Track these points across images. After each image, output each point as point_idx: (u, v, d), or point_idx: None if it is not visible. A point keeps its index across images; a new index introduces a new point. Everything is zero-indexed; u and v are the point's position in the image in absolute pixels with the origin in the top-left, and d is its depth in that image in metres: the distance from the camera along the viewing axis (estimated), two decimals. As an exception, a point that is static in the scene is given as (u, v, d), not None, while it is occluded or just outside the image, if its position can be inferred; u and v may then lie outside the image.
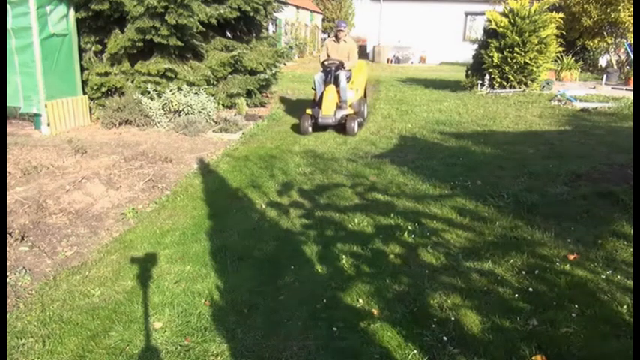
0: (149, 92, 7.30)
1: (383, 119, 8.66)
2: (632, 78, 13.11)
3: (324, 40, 39.59)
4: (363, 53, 28.95)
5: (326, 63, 7.54)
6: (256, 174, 5.36)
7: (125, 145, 6.37)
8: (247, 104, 8.93)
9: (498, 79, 11.50)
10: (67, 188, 4.60)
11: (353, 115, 7.35)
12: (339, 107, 7.30)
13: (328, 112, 7.21)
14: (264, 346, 2.48)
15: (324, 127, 7.34)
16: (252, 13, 8.63)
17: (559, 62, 14.46)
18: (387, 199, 4.53)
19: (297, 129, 7.41)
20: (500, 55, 11.23)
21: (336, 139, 7.03)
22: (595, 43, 15.92)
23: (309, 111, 7.40)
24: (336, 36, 7.85)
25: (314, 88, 7.79)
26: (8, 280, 3.07)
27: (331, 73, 7.43)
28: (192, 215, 4.22)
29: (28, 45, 6.47)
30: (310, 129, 7.21)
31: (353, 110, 7.53)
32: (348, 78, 7.68)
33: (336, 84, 7.42)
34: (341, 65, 7.48)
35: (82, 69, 7.46)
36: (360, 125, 7.60)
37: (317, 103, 7.51)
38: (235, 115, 8.13)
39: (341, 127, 7.26)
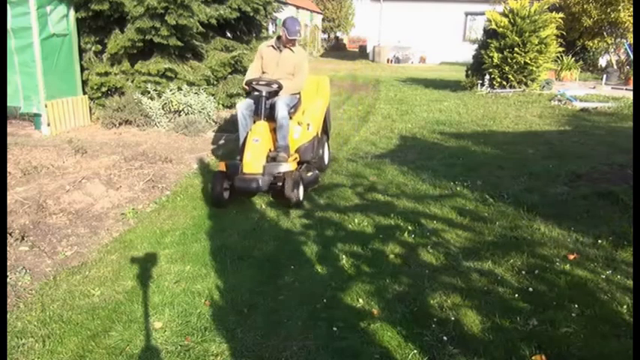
0: (149, 92, 7.30)
1: (383, 119, 8.66)
2: (632, 78, 13.12)
3: (325, 39, 39.78)
4: (363, 53, 29.02)
5: (253, 84, 4.59)
6: (256, 174, 5.36)
7: (125, 145, 6.37)
8: (247, 104, 8.91)
9: (498, 79, 11.50)
10: (67, 188, 4.60)
11: (294, 171, 4.35)
12: (272, 159, 4.45)
13: (252, 168, 4.26)
14: (264, 346, 2.48)
15: (250, 192, 4.41)
16: (252, 13, 8.62)
17: (559, 62, 14.46)
18: (387, 199, 4.53)
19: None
20: (500, 55, 11.24)
21: (337, 139, 7.03)
22: (595, 43, 15.92)
23: (222, 166, 4.42)
24: (279, 38, 4.87)
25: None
26: (8, 280, 3.07)
27: (261, 101, 4.54)
28: (192, 215, 4.22)
29: (28, 45, 6.47)
30: (226, 195, 4.34)
31: (297, 160, 4.74)
32: (294, 107, 4.83)
33: (272, 118, 4.60)
34: (278, 89, 4.60)
35: (82, 69, 7.46)
36: (313, 183, 4.75)
37: (240, 150, 4.62)
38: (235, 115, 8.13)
39: (278, 191, 4.33)
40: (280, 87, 4.62)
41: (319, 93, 5.50)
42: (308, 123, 4.92)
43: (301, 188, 4.33)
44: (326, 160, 5.51)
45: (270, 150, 4.56)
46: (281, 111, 4.52)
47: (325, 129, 5.62)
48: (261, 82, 4.60)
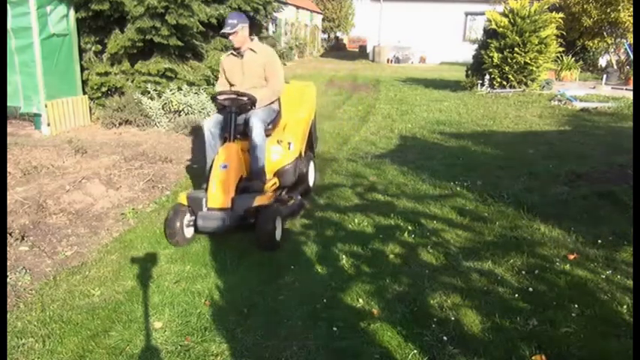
0: (149, 92, 7.30)
1: (383, 119, 8.66)
2: (632, 78, 13.12)
3: (325, 39, 39.74)
4: (363, 53, 29.01)
5: (220, 99, 3.90)
6: (256, 174, 5.35)
7: (125, 145, 6.37)
8: (247, 104, 8.91)
9: (498, 79, 11.51)
10: (67, 188, 4.60)
11: (270, 204, 3.67)
12: (244, 190, 3.71)
13: (218, 201, 3.54)
14: (264, 346, 2.48)
15: (216, 232, 3.57)
16: (252, 13, 8.63)
17: (559, 62, 14.47)
18: (387, 199, 4.53)
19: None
20: (501, 55, 11.24)
21: (337, 139, 7.03)
22: (595, 43, 15.93)
23: (183, 197, 3.64)
24: (234, 46, 4.10)
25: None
26: (8, 280, 3.07)
27: (231, 118, 3.81)
28: (192, 215, 4.21)
29: (28, 45, 6.47)
30: (188, 232, 3.58)
31: (277, 186, 4.12)
32: (272, 122, 4.13)
33: (245, 136, 3.93)
34: (251, 103, 3.89)
35: (82, 69, 7.46)
36: (296, 212, 4.09)
37: (206, 177, 3.82)
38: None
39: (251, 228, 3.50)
40: (253, 100, 3.87)
41: (303, 103, 4.68)
42: (289, 141, 4.20)
43: (279, 226, 3.55)
44: (311, 182, 4.70)
45: (242, 177, 3.76)
46: (256, 129, 3.83)
47: (310, 145, 4.91)
48: (230, 96, 3.86)
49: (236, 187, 3.65)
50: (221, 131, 3.98)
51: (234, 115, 3.82)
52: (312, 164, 4.77)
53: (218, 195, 3.56)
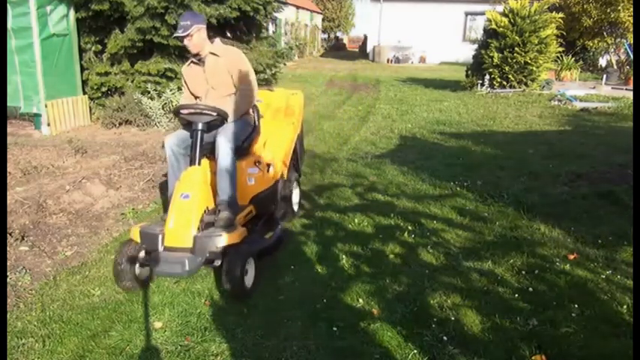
0: (149, 92, 7.30)
1: (383, 119, 8.66)
2: (632, 78, 13.13)
3: (325, 39, 39.73)
4: (363, 53, 29.00)
5: (184, 113, 3.23)
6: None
7: (125, 145, 6.37)
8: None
9: (498, 79, 11.52)
10: (67, 188, 4.59)
11: (240, 244, 2.96)
12: (210, 224, 3.03)
13: (178, 240, 2.89)
14: (264, 346, 2.48)
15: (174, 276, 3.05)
16: (252, 13, 8.62)
17: (559, 62, 14.48)
18: (387, 199, 4.53)
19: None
20: (501, 55, 11.25)
21: (337, 139, 7.03)
22: (595, 43, 15.95)
23: (135, 232, 2.97)
24: (192, 53, 3.45)
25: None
26: (8, 280, 3.07)
27: (196, 137, 3.15)
28: (192, 215, 4.21)
29: (28, 45, 6.48)
30: (142, 273, 2.98)
31: (252, 214, 3.50)
32: (248, 139, 3.52)
33: (213, 158, 3.30)
34: (221, 119, 3.25)
35: (82, 69, 7.47)
36: (275, 247, 3.38)
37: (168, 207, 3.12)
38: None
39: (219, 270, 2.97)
40: (223, 116, 3.23)
41: (288, 115, 4.09)
42: (269, 163, 3.61)
43: (251, 269, 2.95)
44: (296, 206, 4.07)
45: (207, 208, 3.05)
46: (222, 150, 3.15)
47: (296, 164, 4.29)
48: (195, 110, 3.19)
49: (200, 221, 2.96)
50: (186, 150, 3.31)
51: (201, 133, 3.15)
52: (295, 184, 4.11)
53: (177, 231, 2.89)
